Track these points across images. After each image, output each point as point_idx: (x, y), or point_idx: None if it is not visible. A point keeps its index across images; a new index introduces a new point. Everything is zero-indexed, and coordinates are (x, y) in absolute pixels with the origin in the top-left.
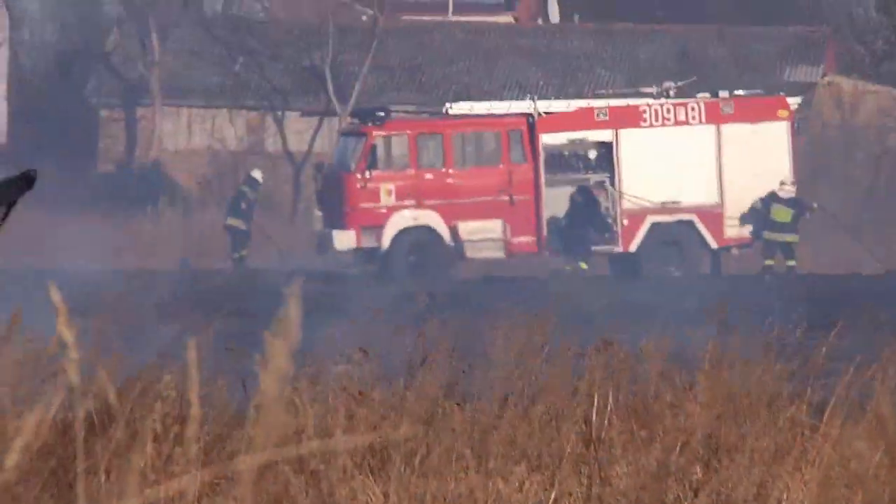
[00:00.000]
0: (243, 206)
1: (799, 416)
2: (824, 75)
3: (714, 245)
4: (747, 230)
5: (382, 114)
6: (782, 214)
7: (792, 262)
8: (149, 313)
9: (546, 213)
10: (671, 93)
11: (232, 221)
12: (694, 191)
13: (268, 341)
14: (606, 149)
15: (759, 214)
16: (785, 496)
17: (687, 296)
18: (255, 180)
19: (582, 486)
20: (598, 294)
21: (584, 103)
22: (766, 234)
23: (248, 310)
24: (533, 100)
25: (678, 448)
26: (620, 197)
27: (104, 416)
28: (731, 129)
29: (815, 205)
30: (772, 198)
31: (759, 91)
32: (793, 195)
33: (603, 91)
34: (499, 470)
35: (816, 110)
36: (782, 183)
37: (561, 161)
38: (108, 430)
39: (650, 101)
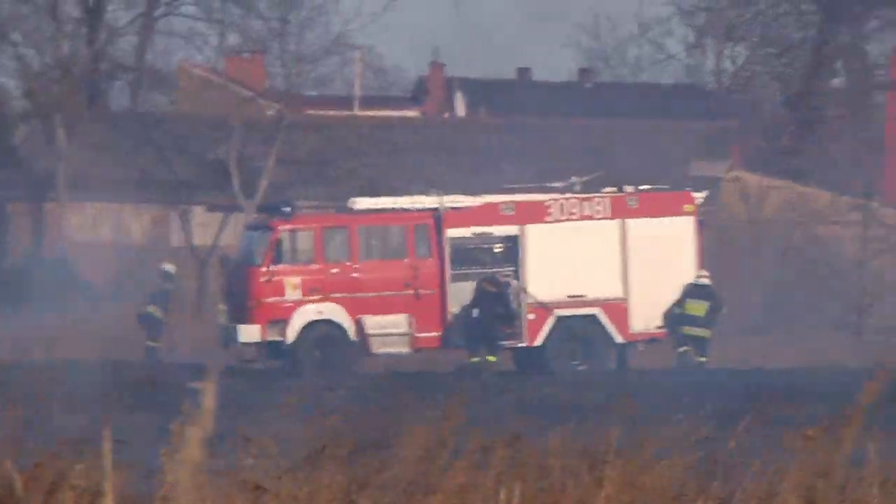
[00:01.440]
0: (163, 298)
1: None
2: (730, 170)
3: (619, 339)
4: (655, 324)
5: (288, 208)
6: (696, 308)
7: (703, 359)
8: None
9: (452, 308)
10: (577, 188)
11: (150, 309)
12: (599, 285)
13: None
14: (512, 243)
15: (672, 307)
16: None
17: (592, 390)
18: (169, 273)
19: None
20: (504, 388)
21: (490, 198)
22: (682, 329)
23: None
24: (439, 194)
25: None
26: (525, 291)
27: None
28: (636, 224)
29: (724, 309)
30: (687, 291)
31: (664, 186)
32: (708, 284)
33: (509, 185)
34: None
35: (722, 205)
36: (699, 275)
37: (467, 255)
38: None
39: (556, 195)
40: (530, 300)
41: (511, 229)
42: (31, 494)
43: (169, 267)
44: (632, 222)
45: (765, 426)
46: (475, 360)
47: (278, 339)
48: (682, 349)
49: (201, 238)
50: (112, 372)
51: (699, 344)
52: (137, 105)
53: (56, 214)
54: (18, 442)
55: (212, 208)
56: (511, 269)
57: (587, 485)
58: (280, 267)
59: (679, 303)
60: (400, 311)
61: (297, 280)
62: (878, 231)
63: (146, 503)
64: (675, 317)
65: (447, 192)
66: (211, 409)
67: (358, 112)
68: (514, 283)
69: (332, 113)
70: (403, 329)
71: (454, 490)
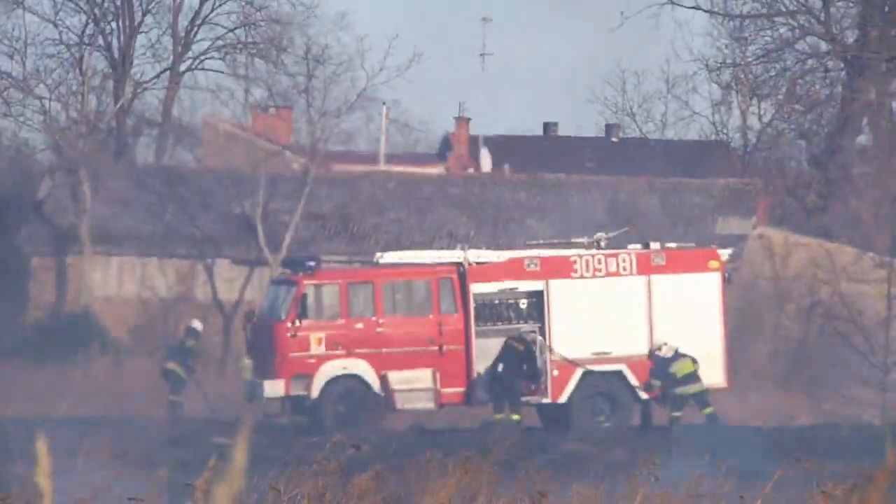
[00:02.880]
0: (186, 355)
1: None
2: (755, 227)
3: (644, 396)
4: (652, 390)
5: (313, 263)
6: (687, 367)
7: (710, 410)
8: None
9: (477, 364)
10: (602, 244)
11: (171, 365)
12: (624, 341)
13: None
14: (537, 299)
15: (655, 378)
16: None
17: (616, 447)
18: (195, 330)
19: None
20: (529, 445)
21: (514, 253)
22: (677, 390)
23: (180, 458)
24: (464, 249)
25: None
26: (550, 348)
27: None
28: (662, 280)
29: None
30: (665, 359)
31: (690, 243)
32: (676, 349)
33: (534, 241)
34: None
35: (748, 262)
36: (658, 348)
37: (491, 311)
38: None
39: (581, 251)
40: (555, 357)
41: (536, 285)
42: None
43: (196, 324)
44: (657, 279)
45: (789, 483)
46: (499, 416)
47: (303, 393)
48: (676, 414)
49: (226, 293)
50: (134, 428)
51: (701, 398)
52: (163, 159)
53: (80, 268)
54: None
55: (237, 262)
56: (536, 324)
57: None
58: (305, 322)
59: (663, 373)
60: (424, 367)
61: (321, 335)
62: None
63: None
64: (665, 385)
65: (472, 248)
66: (241, 466)
67: (383, 167)
68: (539, 339)
69: (357, 168)
70: (428, 384)
71: None
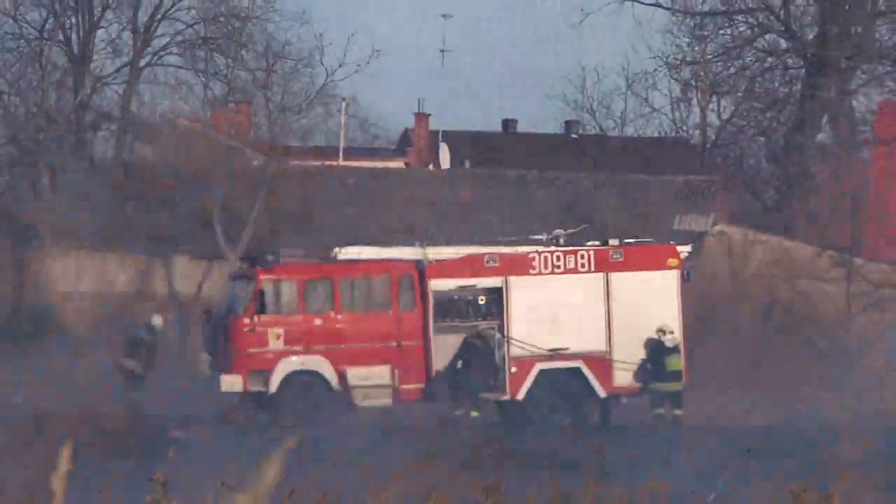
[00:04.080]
0: (139, 349)
1: None
2: (715, 224)
3: (602, 393)
4: (636, 379)
5: (271, 258)
6: (677, 363)
7: (679, 412)
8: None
9: (435, 360)
10: (561, 240)
11: (125, 362)
12: (582, 338)
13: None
14: (496, 295)
15: (650, 363)
16: None
17: (573, 445)
18: (152, 326)
19: None
20: (484, 441)
21: (473, 250)
22: (659, 386)
23: (140, 453)
24: (423, 246)
25: None
26: (508, 343)
27: None
28: (620, 277)
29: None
30: (665, 347)
31: (649, 239)
32: (678, 344)
33: (493, 237)
34: None
35: (706, 259)
36: (661, 331)
37: (450, 307)
38: None
39: (540, 248)
40: (513, 354)
41: (495, 281)
42: None
43: (156, 319)
44: (616, 276)
45: (746, 482)
46: (458, 412)
47: (261, 389)
48: (658, 410)
49: (185, 287)
50: (92, 421)
51: (676, 398)
52: (122, 154)
53: (39, 263)
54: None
55: (195, 257)
56: (495, 321)
57: None
58: (263, 317)
59: (656, 361)
60: (383, 363)
61: (279, 330)
62: (862, 286)
63: None
64: (651, 374)
65: (431, 244)
66: (273, 480)
67: (342, 163)
68: (497, 336)
69: (316, 163)
70: (386, 381)
71: None
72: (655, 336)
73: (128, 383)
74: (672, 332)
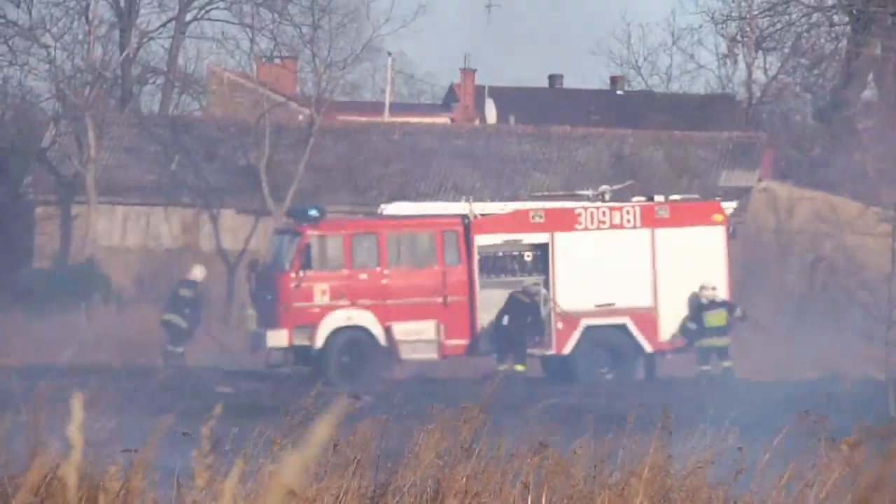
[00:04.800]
0: (182, 305)
1: None
2: (760, 181)
3: (648, 349)
4: (681, 336)
5: (317, 213)
6: (717, 318)
7: (728, 363)
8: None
9: (480, 315)
10: (607, 196)
11: (169, 317)
12: (628, 294)
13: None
14: (541, 251)
15: (691, 321)
16: None
17: (620, 400)
18: (190, 280)
19: None
20: (531, 396)
21: (519, 205)
22: (703, 342)
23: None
24: (468, 201)
25: None
26: (555, 299)
27: None
28: (666, 233)
29: (739, 309)
30: (701, 304)
31: (694, 195)
32: (719, 297)
33: (539, 193)
34: None
35: (752, 215)
36: (703, 288)
37: (495, 263)
38: None
39: (586, 204)
40: (559, 309)
41: (540, 237)
42: (59, 498)
43: (196, 272)
44: (661, 232)
45: (794, 437)
46: (503, 367)
47: (306, 344)
48: (705, 367)
49: (230, 243)
50: (137, 377)
51: (722, 352)
52: (168, 109)
53: (84, 218)
54: (44, 447)
55: (241, 212)
56: (540, 277)
57: (614, 493)
58: (309, 272)
59: (695, 318)
60: (428, 318)
61: (325, 285)
62: None
63: None
64: (694, 332)
65: (477, 200)
66: (323, 441)
67: (388, 118)
68: (543, 292)
69: (362, 119)
70: (431, 336)
71: (477, 494)
72: (698, 293)
73: (173, 339)
74: (714, 288)
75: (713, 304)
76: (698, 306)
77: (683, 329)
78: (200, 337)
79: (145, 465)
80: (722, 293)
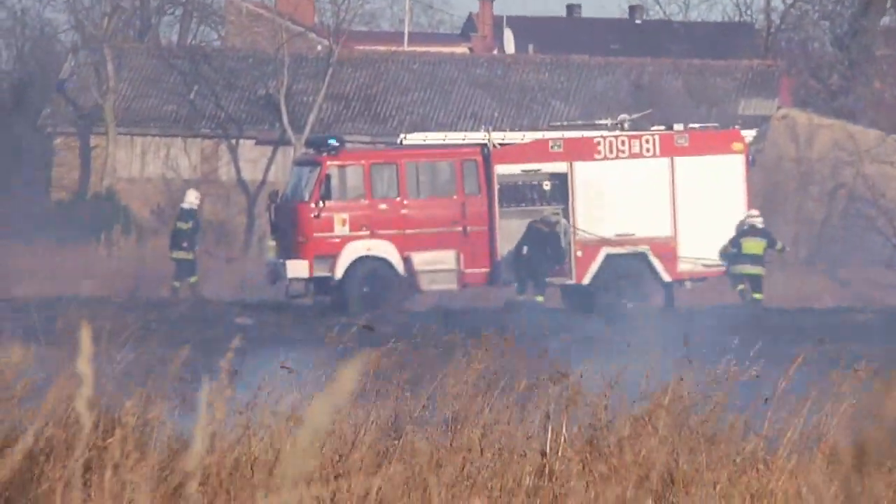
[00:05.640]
0: (180, 239)
1: (755, 449)
2: (779, 109)
3: (667, 278)
4: (704, 263)
5: (337, 143)
6: (755, 247)
7: (759, 296)
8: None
9: (500, 245)
10: (626, 125)
11: (176, 255)
12: (648, 223)
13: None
14: (561, 180)
15: (731, 246)
16: None
17: (640, 329)
18: (187, 211)
19: None
20: (551, 326)
21: (539, 135)
22: (736, 268)
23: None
24: (488, 131)
25: (634, 481)
26: (574, 228)
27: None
28: (685, 162)
29: (781, 243)
30: (744, 230)
31: (713, 124)
32: (761, 225)
33: (558, 123)
34: (452, 501)
35: (771, 143)
36: (749, 215)
37: (515, 192)
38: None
39: (605, 133)
40: (579, 238)
41: (560, 166)
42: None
43: (190, 198)
44: (681, 160)
45: (813, 365)
46: (523, 297)
47: (326, 274)
48: (739, 287)
49: (250, 173)
50: (157, 308)
51: (755, 282)
52: (186, 39)
53: (103, 149)
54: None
55: (261, 143)
56: (559, 206)
57: (635, 422)
58: (328, 203)
59: (734, 242)
60: (448, 248)
61: (345, 216)
62: None
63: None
64: (731, 256)
65: (496, 129)
66: (349, 387)
67: (407, 48)
68: (563, 221)
69: (381, 49)
70: (451, 266)
71: (498, 423)
72: (743, 219)
73: (178, 273)
74: (758, 216)
75: (754, 231)
76: (740, 232)
77: (723, 253)
78: (219, 269)
79: (164, 398)
80: (759, 221)
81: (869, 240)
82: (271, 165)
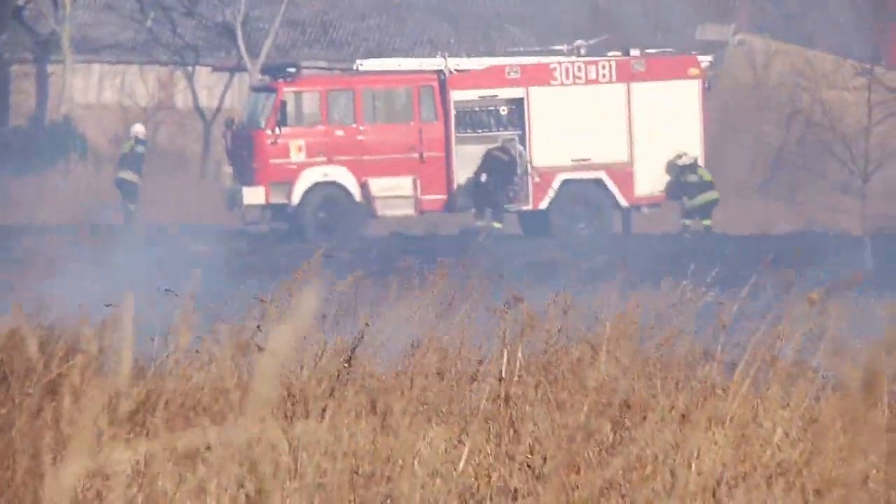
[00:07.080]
0: (140, 162)
1: (710, 375)
2: (736, 34)
3: (624, 203)
4: (660, 188)
5: (293, 70)
6: (706, 174)
7: (708, 222)
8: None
9: (457, 171)
10: (582, 51)
11: (124, 174)
12: (604, 149)
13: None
14: (517, 106)
15: (674, 180)
16: (696, 455)
17: (597, 254)
18: (143, 139)
19: (492, 443)
20: (507, 251)
21: (495, 61)
22: (704, 196)
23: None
24: (444, 57)
25: (590, 405)
26: (531, 154)
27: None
28: (641, 88)
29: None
30: (681, 169)
31: (670, 49)
32: (695, 157)
33: (514, 49)
34: (407, 425)
35: (728, 69)
36: (678, 156)
37: (472, 118)
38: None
39: (561, 59)
40: (535, 164)
41: (516, 92)
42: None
43: (138, 129)
44: (637, 86)
45: (767, 291)
46: (481, 223)
47: (283, 201)
48: (686, 221)
49: (206, 100)
50: (115, 235)
51: (705, 209)
52: None
53: (60, 76)
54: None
55: (217, 69)
56: (516, 132)
57: (590, 347)
58: (285, 129)
59: (683, 174)
60: (405, 174)
61: (301, 142)
62: (883, 95)
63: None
64: (682, 187)
65: (452, 55)
66: (311, 311)
67: None
68: (520, 148)
69: None
70: (408, 192)
71: (454, 348)
72: (674, 158)
73: (126, 196)
74: (686, 153)
75: (694, 166)
76: (680, 171)
77: (671, 187)
78: (177, 197)
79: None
80: (698, 147)
81: (826, 166)
82: (227, 92)
